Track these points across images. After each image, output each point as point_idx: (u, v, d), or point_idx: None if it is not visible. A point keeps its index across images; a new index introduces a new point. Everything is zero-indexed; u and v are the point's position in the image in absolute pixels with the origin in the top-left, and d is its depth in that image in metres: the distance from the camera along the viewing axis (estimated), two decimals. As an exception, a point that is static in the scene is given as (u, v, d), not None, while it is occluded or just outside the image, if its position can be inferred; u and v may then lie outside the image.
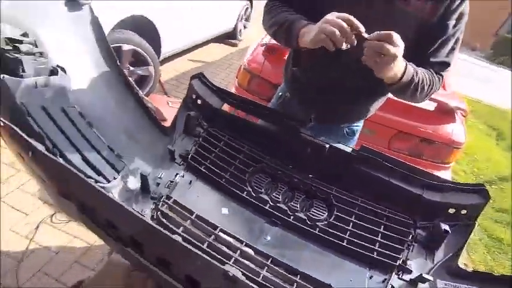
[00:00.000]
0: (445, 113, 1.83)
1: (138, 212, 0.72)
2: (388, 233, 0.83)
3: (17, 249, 1.49)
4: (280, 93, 1.27)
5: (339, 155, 0.94)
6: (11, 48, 0.74)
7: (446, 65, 0.97)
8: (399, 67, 0.83)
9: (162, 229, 0.52)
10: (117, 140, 0.92)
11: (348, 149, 0.94)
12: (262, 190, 0.91)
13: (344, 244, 0.81)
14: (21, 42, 0.77)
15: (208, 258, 0.48)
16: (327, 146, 0.94)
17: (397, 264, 0.77)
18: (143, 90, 2.76)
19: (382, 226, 0.85)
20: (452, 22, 0.90)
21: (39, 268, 1.42)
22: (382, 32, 0.75)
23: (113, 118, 0.96)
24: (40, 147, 0.57)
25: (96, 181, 0.74)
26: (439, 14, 0.89)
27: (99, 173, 0.76)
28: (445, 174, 1.88)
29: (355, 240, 0.81)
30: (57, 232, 1.62)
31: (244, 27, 5.19)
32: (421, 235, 0.85)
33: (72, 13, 0.95)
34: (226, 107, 1.08)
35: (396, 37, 0.75)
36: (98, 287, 0.69)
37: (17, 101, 0.71)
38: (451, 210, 0.85)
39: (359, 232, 0.83)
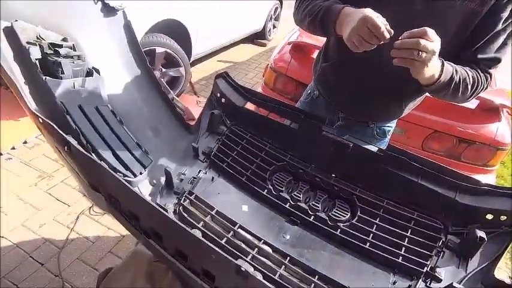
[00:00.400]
0: (489, 112, 1.67)
1: (160, 206, 0.75)
2: (416, 237, 0.79)
3: (59, 237, 1.63)
4: (309, 91, 1.25)
5: (363, 154, 0.91)
6: (52, 52, 0.81)
7: (496, 61, 0.87)
8: (436, 66, 0.77)
9: (179, 222, 0.54)
10: (144, 136, 0.97)
11: (373, 148, 0.90)
12: (283, 189, 0.91)
13: (366, 247, 0.78)
14: (61, 46, 0.84)
15: (221, 252, 0.49)
16: (351, 144, 0.91)
17: (424, 271, 0.73)
18: (175, 91, 2.87)
19: (409, 230, 0.81)
20: (505, 14, 0.80)
21: (77, 256, 1.55)
22: (414, 29, 0.71)
23: (142, 116, 1.01)
24: (74, 142, 0.63)
25: (124, 175, 0.79)
26: (491, 4, 0.79)
27: (127, 168, 0.81)
28: (488, 179, 1.72)
29: (379, 244, 0.78)
30: (94, 223, 1.74)
31: (274, 26, 5.18)
32: (453, 241, 0.79)
33: (108, 18, 1.02)
34: (252, 106, 1.09)
35: (431, 32, 0.70)
36: (123, 274, 0.74)
37: (57, 100, 0.78)
38: (489, 216, 0.78)
39: (383, 235, 0.80)
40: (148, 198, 0.64)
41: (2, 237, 1.58)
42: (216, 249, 0.48)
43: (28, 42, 0.79)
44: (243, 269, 0.47)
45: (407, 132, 1.70)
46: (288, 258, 0.73)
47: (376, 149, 0.91)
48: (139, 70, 1.07)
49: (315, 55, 1.21)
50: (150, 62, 2.62)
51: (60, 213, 1.76)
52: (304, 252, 0.78)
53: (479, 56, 0.86)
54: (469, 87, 0.86)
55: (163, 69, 2.74)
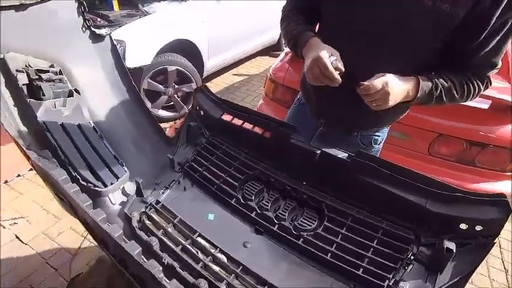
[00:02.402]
0: (503, 111, 1.52)
1: (125, 214, 0.80)
2: (381, 248, 0.74)
3: (73, 245, 1.75)
4: (298, 97, 1.28)
5: (331, 161, 0.88)
6: (37, 77, 0.92)
7: (490, 66, 0.82)
8: (401, 93, 0.81)
9: (112, 234, 0.57)
10: (126, 150, 1.04)
11: (341, 155, 0.87)
12: (252, 197, 0.91)
13: (327, 257, 0.75)
14: (47, 71, 0.95)
15: (141, 263, 0.51)
16: (318, 152, 0.89)
17: (385, 285, 0.68)
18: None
19: (376, 240, 0.76)
20: (497, 12, 0.72)
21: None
22: (360, 86, 0.80)
23: (124, 131, 1.08)
24: (33, 156, 0.70)
25: (95, 185, 0.85)
26: (469, 7, 0.73)
27: (98, 179, 0.87)
28: (506, 184, 1.55)
29: (341, 254, 0.75)
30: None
31: (290, 37, 5.22)
32: (424, 253, 0.73)
33: (95, 44, 1.12)
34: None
35: (373, 86, 0.77)
36: (87, 279, 0.78)
37: (38, 119, 0.88)
38: (463, 226, 0.71)
39: (347, 245, 0.76)
40: (98, 216, 0.67)
41: (26, 244, 1.75)
42: (138, 260, 0.51)
43: (17, 70, 0.90)
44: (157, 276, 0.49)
45: (411, 137, 1.60)
46: (241, 267, 0.73)
47: (345, 155, 0.88)
48: (125, 89, 1.15)
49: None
50: (163, 80, 2.83)
51: (77, 223, 1.89)
52: (263, 262, 0.77)
53: (471, 61, 0.82)
54: (457, 95, 0.86)
55: (177, 86, 2.88)
